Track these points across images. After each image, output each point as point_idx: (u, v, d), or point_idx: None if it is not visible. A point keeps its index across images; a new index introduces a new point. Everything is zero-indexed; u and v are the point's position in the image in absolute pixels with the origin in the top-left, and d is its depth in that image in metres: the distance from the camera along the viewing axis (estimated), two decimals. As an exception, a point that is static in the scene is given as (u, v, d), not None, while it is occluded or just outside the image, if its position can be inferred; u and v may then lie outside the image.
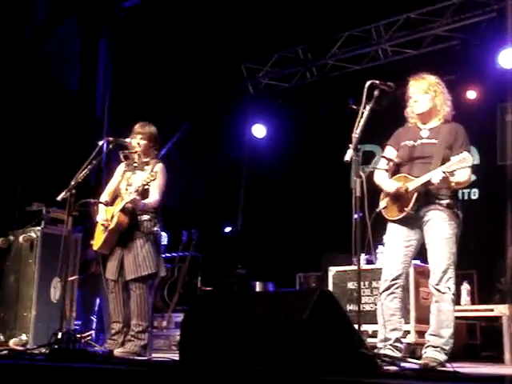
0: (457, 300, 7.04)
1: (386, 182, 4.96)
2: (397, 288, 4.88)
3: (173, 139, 10.96)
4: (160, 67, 10.54)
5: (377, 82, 4.73)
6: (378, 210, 4.88)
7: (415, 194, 4.76)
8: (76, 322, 7.31)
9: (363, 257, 6.85)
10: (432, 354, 4.68)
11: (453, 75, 9.52)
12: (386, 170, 5.03)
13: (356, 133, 4.49)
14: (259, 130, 11.55)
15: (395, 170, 5.03)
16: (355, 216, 4.40)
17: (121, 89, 10.46)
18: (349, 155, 4.47)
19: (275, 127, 11.48)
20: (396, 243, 4.90)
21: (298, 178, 11.12)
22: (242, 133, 11.81)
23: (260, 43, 10.56)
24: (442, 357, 4.66)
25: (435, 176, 4.63)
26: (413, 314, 6.45)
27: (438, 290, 4.71)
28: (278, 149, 11.36)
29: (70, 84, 10.37)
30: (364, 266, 6.77)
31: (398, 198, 4.84)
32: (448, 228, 4.75)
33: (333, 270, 7.28)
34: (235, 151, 11.76)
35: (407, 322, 6.34)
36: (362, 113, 4.58)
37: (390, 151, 5.09)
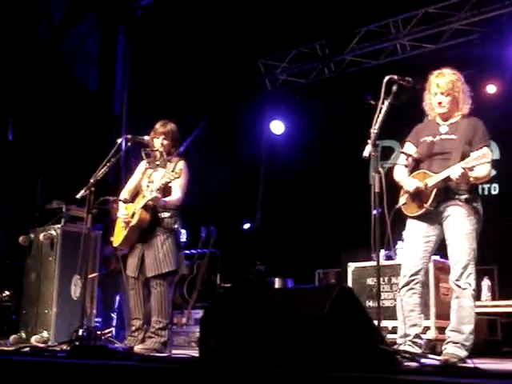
0: (477, 296, 7.03)
1: (406, 180, 4.96)
2: (416, 283, 4.88)
3: (191, 136, 10.99)
4: (177, 64, 10.57)
5: (395, 77, 4.73)
6: (397, 207, 4.89)
7: (434, 190, 4.76)
8: (96, 319, 7.35)
9: (382, 253, 6.84)
10: (452, 350, 4.67)
11: (472, 69, 9.46)
12: (406, 166, 5.04)
13: (374, 128, 4.50)
14: (277, 127, 11.55)
15: (415, 166, 5.03)
16: (374, 212, 4.41)
17: (139, 86, 10.52)
18: (367, 151, 4.47)
19: (293, 123, 11.48)
20: (415, 239, 4.90)
21: (317, 173, 11.11)
22: (260, 129, 11.82)
23: (278, 39, 10.55)
24: (463, 353, 4.65)
25: (454, 172, 4.62)
26: (433, 310, 6.44)
27: (458, 285, 4.70)
28: (296, 145, 11.37)
29: (88, 82, 10.44)
30: (383, 262, 6.76)
31: (418, 195, 4.84)
32: (468, 223, 4.74)
33: (352, 266, 7.28)
34: (253, 148, 11.77)
35: (427, 318, 6.32)
36: (381, 108, 4.58)
37: (410, 147, 5.09)
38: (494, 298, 7.34)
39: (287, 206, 11.49)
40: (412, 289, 4.88)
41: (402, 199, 4.97)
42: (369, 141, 4.47)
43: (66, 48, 10.06)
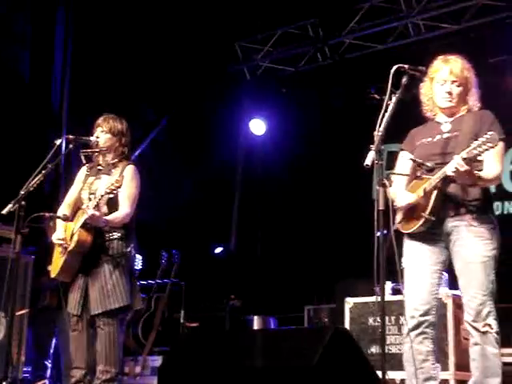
0: (508, 341, 7.07)
1: (399, 194, 4.92)
2: (427, 326, 4.86)
3: (149, 137, 10.98)
4: (133, 48, 10.55)
5: (405, 66, 4.74)
6: (395, 228, 4.85)
7: (434, 194, 4.74)
8: (25, 369, 7.29)
9: (388, 285, 6.85)
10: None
11: (501, 56, 9.57)
12: (388, 179, 4.95)
13: (379, 130, 4.50)
14: (258, 126, 11.57)
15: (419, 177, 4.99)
16: (377, 234, 4.40)
17: (83, 75, 10.47)
18: (370, 158, 4.47)
19: (277, 122, 11.51)
20: (419, 267, 4.87)
21: (306, 186, 11.13)
22: (237, 129, 11.84)
23: (259, 17, 10.59)
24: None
25: (450, 165, 4.61)
26: (452, 359, 6.46)
27: (476, 328, 4.70)
28: (281, 149, 11.39)
29: (18, 67, 10.37)
30: (389, 298, 6.77)
31: (415, 208, 4.82)
32: (484, 248, 4.73)
33: (350, 302, 7.28)
34: (228, 152, 11.77)
35: (445, 369, 6.34)
36: (387, 105, 4.58)
37: (405, 156, 5.07)
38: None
39: (269, 226, 11.50)
40: (423, 333, 4.85)
41: (399, 216, 4.95)
42: (372, 146, 4.47)
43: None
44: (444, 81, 4.93)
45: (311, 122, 11.27)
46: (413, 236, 4.87)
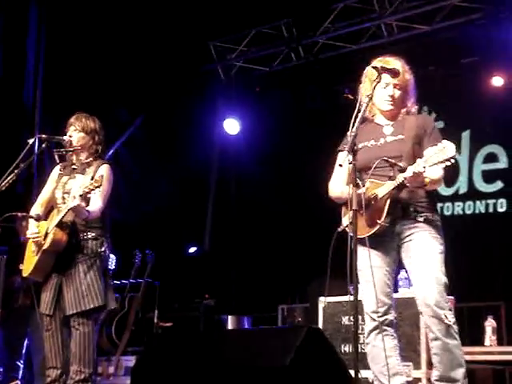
0: (480, 339, 7.10)
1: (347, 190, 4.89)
2: (387, 325, 4.89)
3: (123, 136, 10.94)
4: (107, 46, 10.50)
5: (378, 66, 4.76)
6: (340, 230, 4.85)
7: (388, 202, 4.75)
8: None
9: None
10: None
11: (474, 57, 9.62)
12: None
13: (352, 131, 4.50)
14: (232, 126, 11.56)
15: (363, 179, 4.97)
16: (351, 234, 4.42)
17: (56, 73, 10.41)
18: (342, 158, 4.48)
19: (251, 122, 11.51)
20: (376, 270, 4.87)
21: (280, 185, 11.15)
22: (211, 129, 11.82)
23: (233, 16, 10.58)
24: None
25: (409, 172, 4.62)
26: (424, 357, 6.45)
27: (439, 318, 4.71)
28: (256, 149, 11.39)
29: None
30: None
31: (367, 211, 4.82)
32: (434, 243, 4.77)
33: (323, 302, 7.29)
34: (202, 152, 11.75)
35: (417, 368, 6.35)
36: (360, 105, 4.60)
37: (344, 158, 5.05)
38: (500, 343, 7.36)
39: (243, 226, 11.50)
40: (383, 330, 4.87)
41: (346, 219, 4.91)
42: (345, 146, 4.48)
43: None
44: (386, 84, 4.93)
45: (285, 121, 11.27)
46: (363, 239, 4.80)
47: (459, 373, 4.69)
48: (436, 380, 4.77)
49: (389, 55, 5.03)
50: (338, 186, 5.01)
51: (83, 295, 5.67)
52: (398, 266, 4.97)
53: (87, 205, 5.68)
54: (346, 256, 4.42)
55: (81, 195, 5.48)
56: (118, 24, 10.43)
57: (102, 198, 5.78)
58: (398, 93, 4.94)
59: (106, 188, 5.82)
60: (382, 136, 4.94)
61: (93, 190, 5.49)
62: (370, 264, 4.79)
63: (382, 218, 4.72)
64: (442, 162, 4.48)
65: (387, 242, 4.87)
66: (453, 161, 4.49)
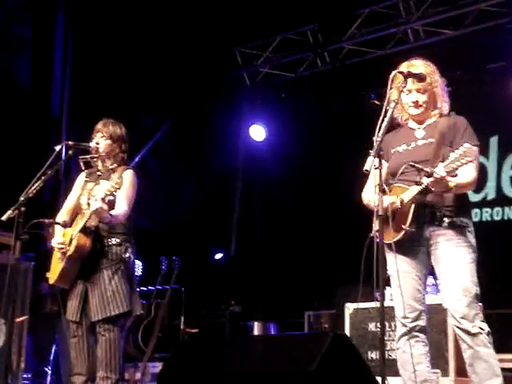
0: (509, 346, 7.05)
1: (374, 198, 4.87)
2: (418, 331, 4.85)
3: (149, 143, 10.97)
4: (133, 54, 10.55)
5: (405, 71, 4.74)
6: (371, 235, 4.82)
7: (413, 206, 4.73)
8: (25, 376, 7.28)
9: (388, 291, 6.84)
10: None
11: (500, 62, 9.57)
12: (388, 184, 4.91)
13: (378, 136, 4.49)
14: (257, 132, 11.57)
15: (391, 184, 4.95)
16: (377, 240, 4.40)
17: (83, 80, 10.47)
18: (369, 164, 4.46)
19: (277, 128, 11.51)
20: (403, 275, 4.85)
21: (306, 191, 11.13)
22: (237, 135, 11.84)
23: (259, 23, 10.59)
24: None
25: (427, 178, 4.60)
26: (452, 365, 6.43)
27: (466, 331, 4.68)
28: (281, 155, 11.39)
29: (19, 74, 10.37)
30: (389, 303, 6.75)
31: (394, 216, 4.79)
32: (465, 251, 4.72)
33: (350, 308, 7.28)
34: (227, 158, 11.77)
35: (445, 375, 6.32)
36: (386, 110, 4.58)
37: (384, 164, 5.04)
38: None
39: (269, 232, 11.49)
40: (414, 337, 4.84)
41: (375, 225, 4.89)
42: (371, 151, 4.46)
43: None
44: (409, 91, 4.92)
45: (311, 127, 11.26)
46: (391, 245, 4.79)
47: (495, 383, 4.64)
48: (472, 393, 4.73)
49: (415, 58, 5.01)
50: (368, 193, 4.99)
51: (108, 301, 5.68)
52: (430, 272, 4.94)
53: (111, 209, 5.70)
54: (373, 263, 4.41)
55: (102, 198, 5.50)
56: (144, 32, 10.47)
57: (126, 202, 5.80)
58: (422, 97, 4.91)
59: (130, 193, 5.83)
60: (413, 140, 4.92)
61: (114, 191, 5.50)
62: (399, 269, 4.76)
63: (407, 223, 4.69)
64: (461, 165, 4.45)
65: (416, 246, 4.83)
66: (471, 160, 4.45)
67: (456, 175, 4.54)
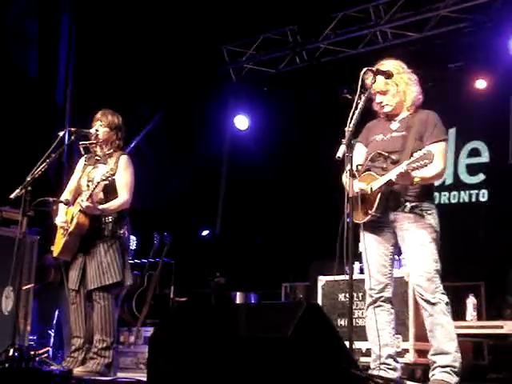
0: (462, 315, 7.09)
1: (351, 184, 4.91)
2: (383, 301, 4.91)
3: (143, 131, 10.94)
4: (130, 49, 10.49)
5: (374, 68, 4.74)
6: (345, 217, 4.84)
7: (379, 195, 4.76)
8: (31, 337, 7.27)
9: (357, 265, 6.87)
10: (441, 376, 4.64)
11: (460, 62, 9.59)
12: (357, 170, 4.94)
13: (349, 126, 4.50)
14: (242, 122, 11.55)
15: (367, 169, 4.98)
16: (347, 220, 4.42)
17: (85, 73, 10.42)
18: (341, 151, 4.47)
19: (260, 118, 11.48)
20: (371, 252, 4.89)
21: (285, 175, 11.12)
22: (223, 125, 11.81)
23: (243, 23, 10.54)
24: (454, 379, 4.63)
25: (393, 173, 4.63)
26: (412, 331, 6.47)
27: (427, 301, 4.72)
28: (263, 142, 11.37)
29: (27, 67, 10.31)
30: (357, 276, 6.77)
31: (363, 200, 4.82)
32: (425, 233, 4.76)
33: (322, 280, 7.29)
34: (214, 145, 11.75)
35: (406, 340, 6.36)
36: (357, 103, 4.58)
37: (361, 149, 5.09)
38: (480, 318, 7.36)
39: (251, 212, 11.50)
40: (379, 306, 4.90)
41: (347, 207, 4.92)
42: (343, 140, 4.47)
43: (1, 26, 9.91)
44: (377, 92, 4.94)
45: (290, 118, 11.25)
46: (363, 225, 4.88)
47: (451, 346, 4.69)
48: (431, 354, 4.76)
49: (387, 58, 5.02)
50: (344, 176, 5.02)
51: (103, 272, 5.73)
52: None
53: (109, 194, 5.75)
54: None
55: (88, 198, 5.57)
56: (142, 31, 10.43)
57: (126, 190, 5.85)
58: (386, 98, 4.93)
59: (128, 179, 5.88)
60: (389, 131, 4.97)
61: (109, 177, 5.57)
62: (368, 247, 4.86)
63: (373, 210, 4.76)
64: (421, 166, 4.48)
65: (383, 227, 4.90)
66: (429, 162, 4.47)
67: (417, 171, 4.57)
